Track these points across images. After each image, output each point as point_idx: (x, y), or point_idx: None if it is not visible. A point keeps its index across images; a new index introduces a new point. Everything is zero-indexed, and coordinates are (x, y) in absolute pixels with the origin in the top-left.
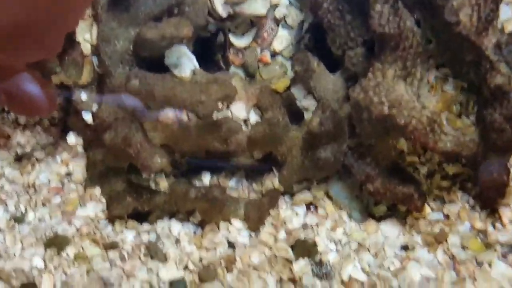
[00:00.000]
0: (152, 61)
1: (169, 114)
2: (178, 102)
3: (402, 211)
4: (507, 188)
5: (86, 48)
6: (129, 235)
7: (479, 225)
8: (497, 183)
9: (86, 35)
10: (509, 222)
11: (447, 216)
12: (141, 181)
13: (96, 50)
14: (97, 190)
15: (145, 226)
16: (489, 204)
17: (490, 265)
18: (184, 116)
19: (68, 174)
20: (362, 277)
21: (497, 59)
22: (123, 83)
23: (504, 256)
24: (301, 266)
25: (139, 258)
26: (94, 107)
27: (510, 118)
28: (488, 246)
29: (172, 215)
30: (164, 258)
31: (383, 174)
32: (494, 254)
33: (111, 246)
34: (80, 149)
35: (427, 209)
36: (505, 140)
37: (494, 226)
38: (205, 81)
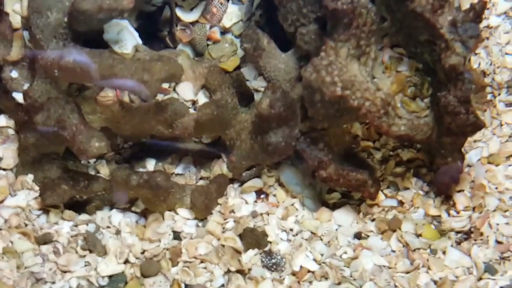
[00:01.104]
0: (90, 36)
1: (108, 94)
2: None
3: (355, 198)
4: (462, 174)
5: (16, 20)
6: (64, 226)
7: (433, 211)
8: (451, 168)
9: (15, 5)
10: (463, 209)
11: (401, 203)
12: (80, 167)
13: (27, 23)
14: (29, 177)
15: (83, 216)
16: (443, 191)
17: (444, 252)
18: (125, 97)
19: None
20: (314, 266)
21: (452, 38)
22: (57, 60)
23: (458, 243)
24: (250, 256)
25: (76, 251)
26: (25, 86)
27: (465, 100)
28: (442, 233)
29: (112, 205)
30: (103, 251)
31: (337, 160)
32: (448, 241)
33: (44, 239)
34: (11, 132)
35: (381, 195)
36: (460, 123)
37: (448, 213)
38: (148, 59)
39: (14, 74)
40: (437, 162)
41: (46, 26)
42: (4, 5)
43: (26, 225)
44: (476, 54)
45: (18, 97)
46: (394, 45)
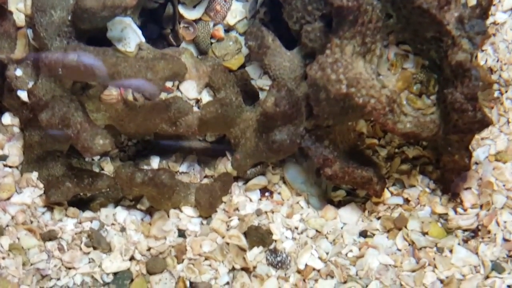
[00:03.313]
0: (93, 34)
1: (112, 93)
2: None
3: (361, 196)
4: (469, 172)
5: (20, 18)
6: (69, 223)
7: (439, 209)
8: (458, 166)
9: (19, 4)
10: (470, 207)
11: (407, 201)
12: (84, 165)
13: (31, 21)
14: (34, 175)
15: (87, 213)
16: (450, 188)
17: (451, 251)
18: (129, 95)
19: (3, 158)
20: (319, 265)
21: (459, 35)
22: (61, 58)
23: (465, 242)
24: (255, 254)
25: (80, 248)
26: (30, 84)
27: (472, 97)
28: (449, 231)
29: (117, 202)
30: (108, 248)
31: (342, 158)
32: (455, 239)
33: (49, 235)
34: (16, 130)
35: (387, 193)
36: (467, 121)
37: (455, 211)
38: (151, 57)
39: (19, 72)
40: (444, 159)
41: (50, 25)
42: (8, 3)
43: (31, 222)
44: (483, 50)
45: (23, 95)
46: (400, 42)
